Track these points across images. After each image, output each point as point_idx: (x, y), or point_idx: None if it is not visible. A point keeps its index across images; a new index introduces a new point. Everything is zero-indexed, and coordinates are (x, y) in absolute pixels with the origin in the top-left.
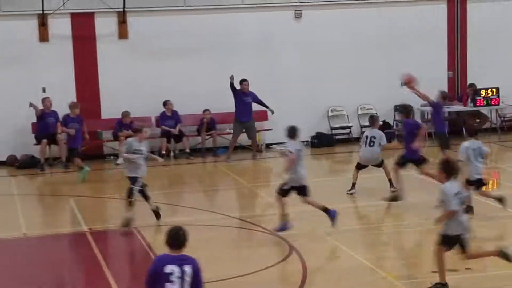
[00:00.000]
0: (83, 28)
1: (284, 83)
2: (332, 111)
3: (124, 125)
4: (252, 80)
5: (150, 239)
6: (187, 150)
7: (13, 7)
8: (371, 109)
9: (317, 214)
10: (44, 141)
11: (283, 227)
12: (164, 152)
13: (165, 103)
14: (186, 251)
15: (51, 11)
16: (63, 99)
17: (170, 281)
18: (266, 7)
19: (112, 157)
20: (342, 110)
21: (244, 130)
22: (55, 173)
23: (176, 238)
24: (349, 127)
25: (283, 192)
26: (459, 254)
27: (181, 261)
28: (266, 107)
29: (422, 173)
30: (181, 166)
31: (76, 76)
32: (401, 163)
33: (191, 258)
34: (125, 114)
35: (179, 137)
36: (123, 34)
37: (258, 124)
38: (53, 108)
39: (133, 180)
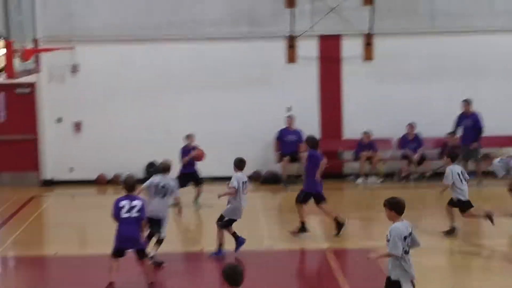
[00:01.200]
0: (329, 50)
1: None
2: None
3: (365, 146)
4: (502, 104)
5: None
6: (427, 174)
7: (262, 29)
8: None
9: None
10: (286, 158)
11: None
12: (403, 175)
13: (409, 125)
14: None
15: (300, 34)
16: (307, 119)
17: None
18: None
19: (351, 176)
20: None
21: (467, 155)
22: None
23: (235, 275)
24: None
25: None
26: None
27: None
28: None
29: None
30: (420, 189)
31: (320, 96)
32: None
33: None
34: (365, 133)
35: (420, 161)
36: (368, 55)
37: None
38: (295, 128)
39: None
